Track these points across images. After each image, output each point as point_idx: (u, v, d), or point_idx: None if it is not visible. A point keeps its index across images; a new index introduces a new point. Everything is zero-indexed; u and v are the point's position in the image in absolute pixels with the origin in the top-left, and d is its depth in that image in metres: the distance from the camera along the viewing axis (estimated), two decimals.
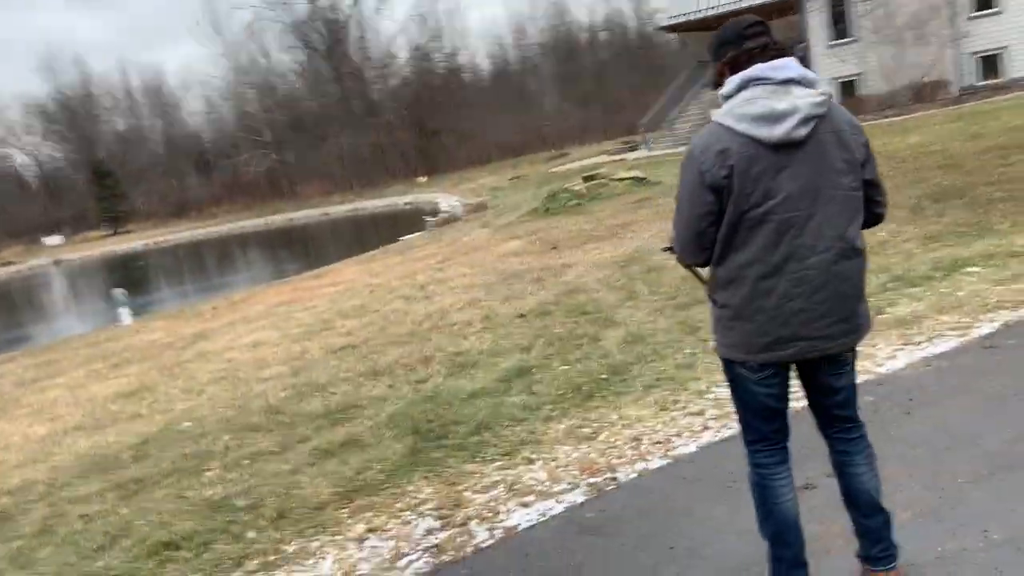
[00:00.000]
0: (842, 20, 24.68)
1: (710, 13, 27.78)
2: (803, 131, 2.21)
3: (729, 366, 2.51)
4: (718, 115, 2.32)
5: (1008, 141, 12.62)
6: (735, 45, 2.33)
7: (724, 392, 4.65)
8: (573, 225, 13.49)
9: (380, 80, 54.71)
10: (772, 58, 2.28)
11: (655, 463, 3.91)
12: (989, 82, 22.96)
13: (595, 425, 4.56)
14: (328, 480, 4.48)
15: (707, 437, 4.09)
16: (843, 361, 2.44)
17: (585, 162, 28.01)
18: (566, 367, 5.74)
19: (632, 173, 17.37)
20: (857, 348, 2.48)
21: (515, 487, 3.96)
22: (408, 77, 53.75)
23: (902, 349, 4.80)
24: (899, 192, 10.11)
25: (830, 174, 2.25)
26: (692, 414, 4.44)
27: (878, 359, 4.71)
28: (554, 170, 28.47)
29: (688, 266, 2.69)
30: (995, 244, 6.78)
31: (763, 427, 2.53)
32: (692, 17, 28.11)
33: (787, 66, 2.27)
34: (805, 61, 25.66)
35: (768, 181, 2.24)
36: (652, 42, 53.49)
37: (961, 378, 4.20)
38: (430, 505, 3.96)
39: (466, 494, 4.00)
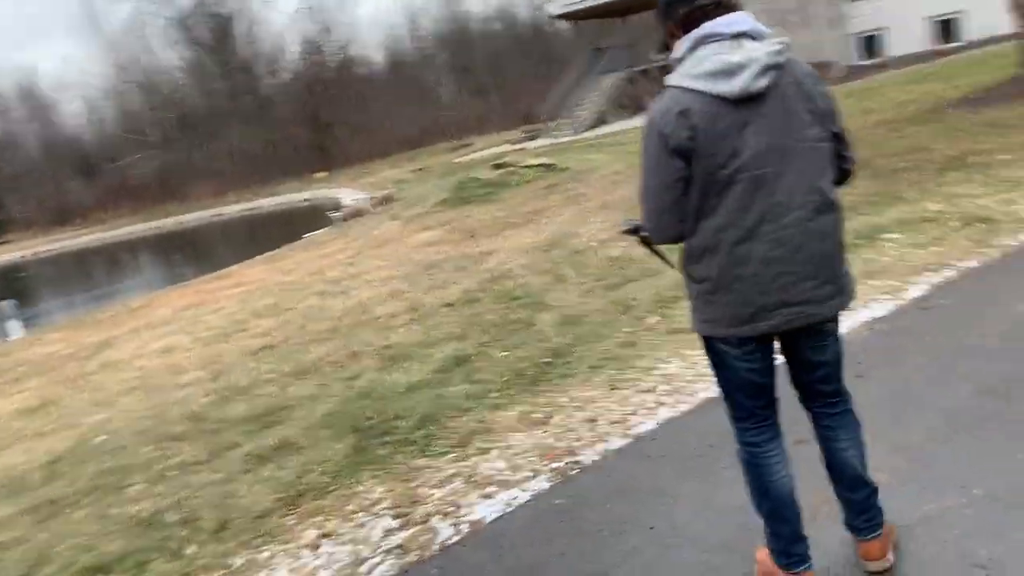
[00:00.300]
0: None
1: (601, 0, 28.08)
2: (762, 82, 2.11)
3: (710, 343, 2.39)
4: (673, 79, 2.21)
5: (896, 115, 13.16)
6: (686, 3, 2.21)
7: (672, 367, 4.63)
8: (487, 213, 13.34)
9: (271, 75, 53.19)
10: (723, 15, 2.18)
11: (616, 443, 3.80)
12: (872, 61, 23.97)
13: (546, 409, 4.43)
14: (267, 487, 4.20)
15: (664, 413, 4.01)
16: (827, 332, 2.34)
17: (488, 152, 27.89)
18: (505, 353, 5.59)
19: (540, 160, 17.35)
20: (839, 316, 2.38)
21: (473, 479, 3.79)
22: (300, 71, 52.36)
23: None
24: None
25: (796, 126, 2.16)
26: (644, 391, 4.36)
27: None
28: (457, 160, 28.25)
29: (652, 247, 2.60)
30: (907, 211, 6.99)
31: (750, 404, 2.43)
32: (583, 5, 28.31)
33: (739, 20, 2.16)
34: None
35: (733, 139, 2.13)
36: (544, 31, 53.82)
37: (904, 339, 4.26)
38: (384, 504, 3.74)
39: (422, 490, 3.80)
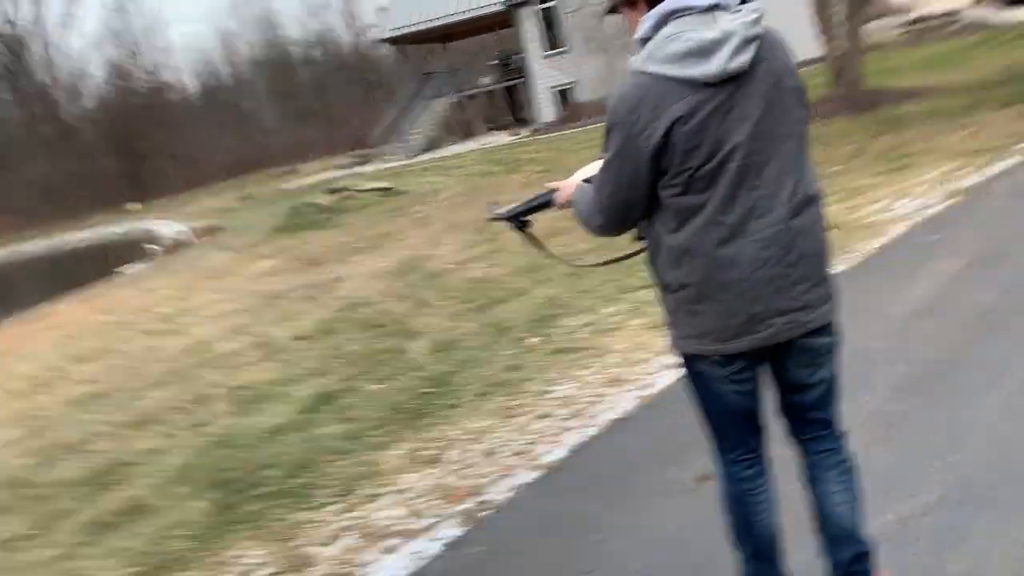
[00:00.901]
0: (554, 31, 25.89)
1: (426, 25, 28.00)
2: (743, 58, 1.83)
3: (691, 363, 2.08)
4: (637, 62, 1.90)
5: None
6: None
7: (566, 390, 4.38)
8: (328, 239, 12.74)
9: (72, 101, 49.37)
10: None
11: (525, 476, 3.49)
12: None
13: (437, 444, 4.05)
14: (119, 559, 3.58)
15: (570, 439, 3.75)
16: (822, 345, 2.04)
17: (317, 177, 26.97)
18: (378, 386, 5.16)
19: (378, 183, 16.89)
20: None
21: (369, 531, 3.36)
22: (106, 97, 48.97)
23: None
24: None
25: (782, 107, 1.91)
26: (541, 417, 4.08)
27: None
28: (286, 187, 27.11)
29: (527, 233, 2.47)
30: None
31: (739, 432, 2.14)
32: (410, 30, 28.13)
33: None
34: (524, 71, 26.71)
35: (716, 128, 1.85)
36: (368, 56, 53.26)
37: None
38: (268, 571, 3.24)
39: (309, 549, 3.33)
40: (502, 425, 4.09)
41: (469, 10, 27.71)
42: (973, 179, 6.70)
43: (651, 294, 5.72)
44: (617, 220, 2.04)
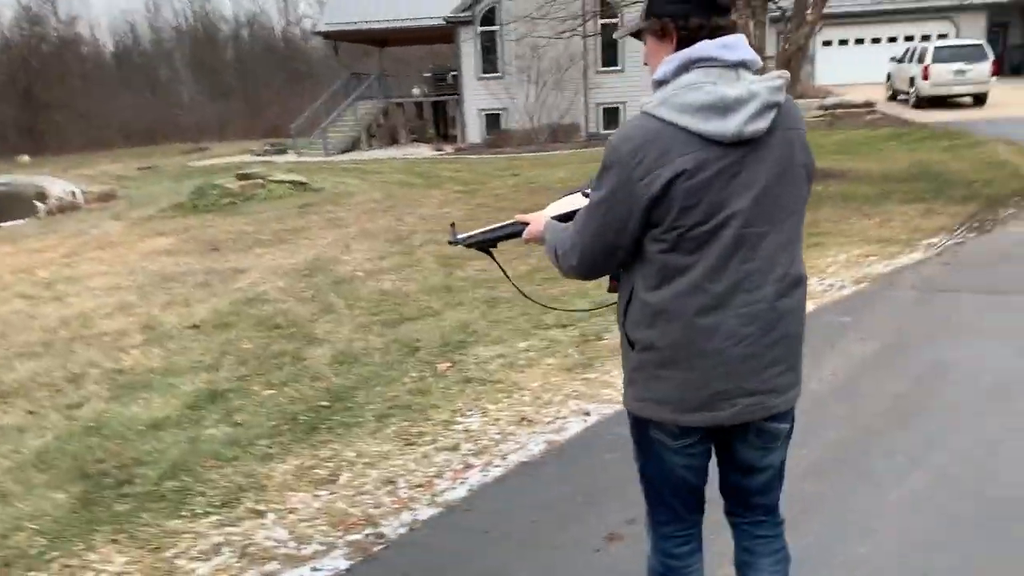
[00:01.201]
0: (492, 55, 25.94)
1: (366, 27, 27.64)
2: (762, 124, 1.75)
3: (642, 428, 1.96)
4: (650, 105, 1.78)
5: None
6: (701, 13, 1.79)
7: (473, 423, 4.22)
8: (231, 225, 12.21)
9: None
10: (723, 35, 1.79)
11: (424, 512, 3.30)
12: (611, 131, 25.61)
13: (330, 465, 3.82)
14: None
15: (475, 478, 3.58)
16: (779, 430, 1.96)
17: (228, 160, 26.04)
18: (271, 391, 4.87)
19: (292, 176, 16.36)
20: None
21: (249, 551, 3.10)
22: (11, 39, 46.24)
23: None
24: None
25: (790, 180, 1.83)
26: (446, 449, 3.90)
27: (617, 386, 4.53)
28: (193, 164, 26.06)
29: (493, 256, 2.39)
30: None
31: (679, 507, 2.03)
32: (347, 28, 27.69)
33: (739, 45, 1.78)
34: (457, 88, 26.63)
35: (719, 190, 1.75)
36: (297, 46, 52.24)
37: None
38: None
39: (179, 562, 3.05)
40: (402, 452, 3.89)
41: (410, 19, 27.51)
42: (882, 267, 6.92)
43: (565, 333, 5.69)
44: (594, 264, 1.92)
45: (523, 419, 4.18)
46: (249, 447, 4.05)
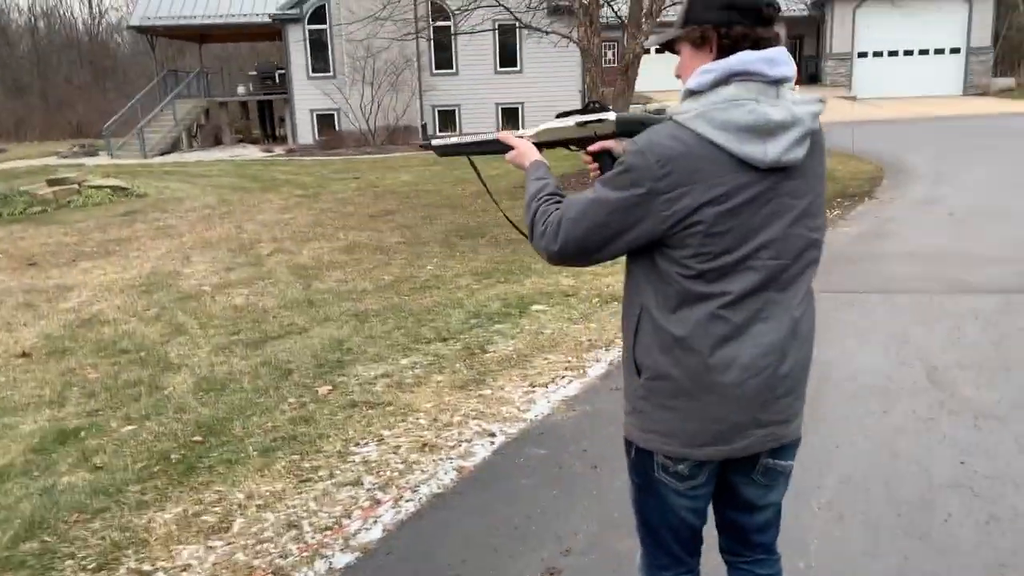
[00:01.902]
0: (324, 54, 25.17)
1: (186, 21, 26.11)
2: (800, 152, 1.64)
3: (646, 463, 1.81)
4: (685, 115, 1.64)
5: (493, 187, 13.93)
6: (746, 21, 1.65)
7: (371, 452, 3.95)
8: (48, 236, 11.07)
9: None
10: (766, 47, 1.67)
11: (339, 559, 3.01)
12: (447, 132, 25.52)
13: (218, 510, 3.43)
14: None
15: (387, 516, 3.31)
16: (781, 469, 1.87)
17: (31, 162, 23.71)
18: (132, 427, 4.37)
19: (112, 181, 15.11)
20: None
21: None
22: None
23: (533, 391, 4.62)
24: (424, 227, 10.37)
25: (814, 210, 1.74)
26: (347, 484, 3.61)
27: (516, 403, 4.45)
28: None
29: (475, 166, 2.25)
30: (543, 283, 7.14)
31: (678, 549, 1.90)
32: (163, 22, 26.02)
33: (783, 59, 1.66)
34: (286, 88, 25.62)
35: (748, 218, 1.63)
36: (104, 42, 48.65)
37: (614, 424, 4.11)
38: None
39: None
40: (298, 491, 3.56)
41: (233, 15, 26.23)
42: None
43: (448, 347, 5.49)
44: (574, 258, 1.78)
45: (425, 445, 3.95)
46: (118, 495, 3.58)
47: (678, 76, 1.76)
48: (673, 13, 22.73)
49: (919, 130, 18.49)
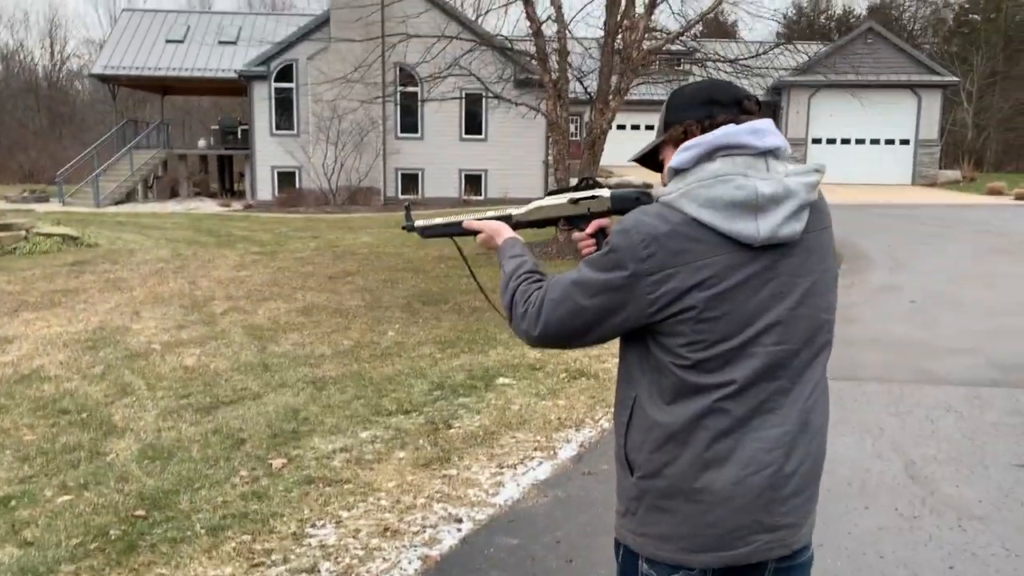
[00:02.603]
0: (288, 112, 25.14)
1: (151, 72, 25.97)
2: (797, 226, 1.55)
3: (633, 567, 1.67)
4: (669, 196, 1.56)
5: (453, 252, 13.78)
6: (728, 111, 1.60)
7: (328, 536, 3.69)
8: None
9: None
10: (748, 119, 1.61)
11: None
12: (409, 196, 25.51)
13: None
14: None
15: None
16: (800, 567, 1.68)
17: None
18: (68, 497, 4.04)
19: (61, 229, 14.68)
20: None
21: None
22: None
23: (501, 473, 4.40)
24: (385, 291, 10.17)
25: (822, 288, 1.62)
26: (302, 572, 3.34)
27: (484, 486, 4.23)
28: None
29: (458, 245, 2.13)
30: (509, 355, 6.96)
31: None
32: (127, 72, 25.84)
33: (768, 129, 1.59)
34: (248, 143, 25.45)
35: (745, 301, 1.53)
36: (61, 87, 48.21)
37: (588, 513, 3.92)
38: None
39: None
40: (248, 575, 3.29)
41: (199, 69, 26.18)
42: None
43: (410, 420, 5.25)
44: (553, 343, 1.69)
45: (386, 529, 3.70)
46: (49, 575, 3.27)
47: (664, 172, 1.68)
48: (640, 93, 23.32)
49: (872, 216, 18.94)
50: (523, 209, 1.99)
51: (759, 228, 1.51)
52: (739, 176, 1.53)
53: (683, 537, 1.59)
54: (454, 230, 2.04)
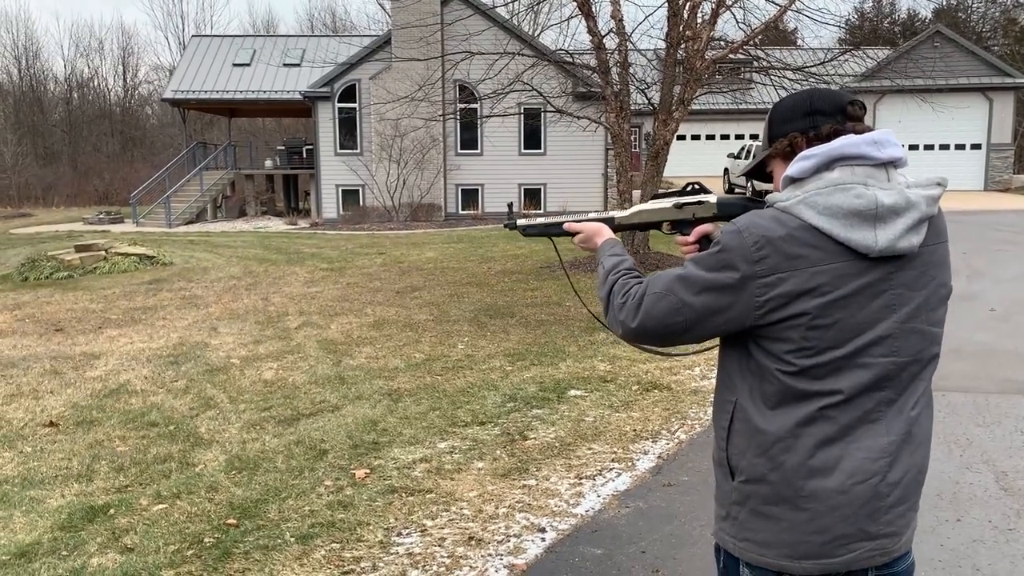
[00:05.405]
0: (352, 131, 25.60)
1: (219, 95, 26.73)
2: (916, 239, 1.53)
3: (736, 572, 1.66)
4: (785, 202, 1.56)
5: (516, 267, 13.90)
6: (832, 119, 1.61)
7: (415, 544, 3.74)
8: (74, 303, 11.04)
9: None
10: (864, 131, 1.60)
11: None
12: (469, 212, 25.74)
13: None
14: None
15: None
16: (899, 574, 1.66)
17: (57, 227, 24.04)
18: (162, 505, 4.19)
19: (138, 249, 15.17)
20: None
21: None
22: None
23: (580, 484, 4.41)
24: (451, 305, 10.26)
25: (934, 303, 1.61)
26: None
27: (564, 496, 4.25)
28: (16, 231, 23.86)
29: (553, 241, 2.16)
30: (580, 367, 6.97)
31: None
32: (196, 96, 26.65)
33: (889, 140, 1.56)
34: (313, 163, 26.00)
35: (857, 311, 1.52)
36: (135, 112, 49.90)
37: (671, 524, 3.91)
38: None
39: None
40: None
41: (265, 91, 26.87)
42: None
43: (486, 431, 5.31)
44: (651, 339, 1.68)
45: (471, 538, 3.75)
46: None
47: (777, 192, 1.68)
48: (701, 103, 23.18)
49: (948, 223, 18.47)
50: (625, 212, 2.01)
51: (877, 238, 1.51)
52: (859, 185, 1.53)
53: (786, 544, 1.59)
54: (554, 230, 2.08)
